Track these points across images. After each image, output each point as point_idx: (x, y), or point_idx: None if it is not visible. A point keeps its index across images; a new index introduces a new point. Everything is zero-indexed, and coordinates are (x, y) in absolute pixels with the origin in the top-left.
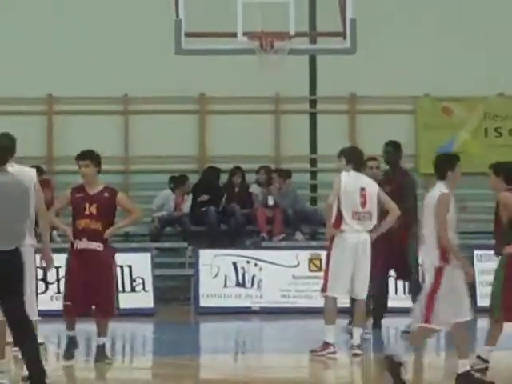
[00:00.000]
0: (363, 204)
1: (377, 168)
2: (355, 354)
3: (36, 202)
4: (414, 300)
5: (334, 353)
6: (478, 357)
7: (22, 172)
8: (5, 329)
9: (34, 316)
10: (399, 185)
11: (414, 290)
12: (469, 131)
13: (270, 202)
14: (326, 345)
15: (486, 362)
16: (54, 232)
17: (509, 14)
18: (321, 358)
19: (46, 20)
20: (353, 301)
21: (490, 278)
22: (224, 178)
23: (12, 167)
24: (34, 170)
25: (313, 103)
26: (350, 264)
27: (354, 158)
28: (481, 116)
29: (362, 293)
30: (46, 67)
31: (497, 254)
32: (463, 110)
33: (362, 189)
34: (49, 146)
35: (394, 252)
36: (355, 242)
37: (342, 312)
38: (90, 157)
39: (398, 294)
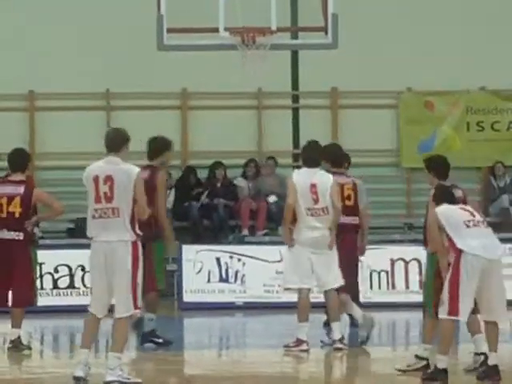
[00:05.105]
0: (316, 200)
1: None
2: (337, 349)
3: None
4: None
5: (306, 350)
6: (416, 356)
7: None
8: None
9: None
10: None
11: None
12: (451, 126)
13: (271, 199)
14: (299, 341)
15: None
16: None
17: (490, 8)
18: (294, 354)
19: (28, 17)
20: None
21: None
22: (205, 173)
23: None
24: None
25: (295, 98)
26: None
27: (304, 155)
28: (463, 110)
29: (328, 283)
30: (27, 64)
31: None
32: (445, 105)
33: (313, 185)
34: (31, 142)
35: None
36: (311, 238)
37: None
38: None
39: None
